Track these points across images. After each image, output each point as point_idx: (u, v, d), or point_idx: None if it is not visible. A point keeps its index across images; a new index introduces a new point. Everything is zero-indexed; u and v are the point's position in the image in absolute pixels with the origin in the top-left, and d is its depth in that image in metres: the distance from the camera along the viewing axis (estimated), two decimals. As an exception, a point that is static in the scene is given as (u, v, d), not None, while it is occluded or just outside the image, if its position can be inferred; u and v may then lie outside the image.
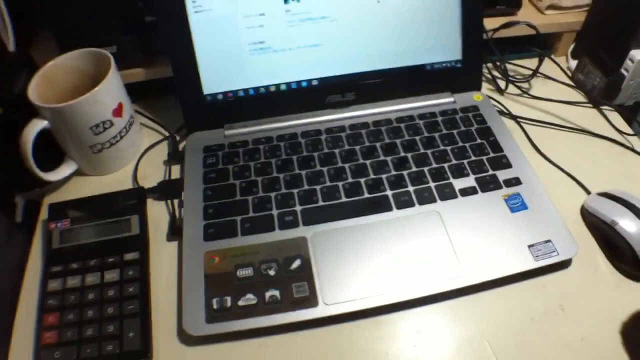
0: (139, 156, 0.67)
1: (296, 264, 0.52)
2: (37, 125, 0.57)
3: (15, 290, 0.56)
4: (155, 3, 0.62)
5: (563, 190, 0.62)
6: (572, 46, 0.81)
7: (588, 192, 0.61)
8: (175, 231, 0.57)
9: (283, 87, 0.65)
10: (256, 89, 0.65)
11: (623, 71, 0.71)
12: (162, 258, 0.56)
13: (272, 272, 0.51)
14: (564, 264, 0.54)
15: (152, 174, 0.65)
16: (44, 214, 0.61)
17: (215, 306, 0.49)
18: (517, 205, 0.57)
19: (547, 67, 0.78)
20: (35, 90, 0.58)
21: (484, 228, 0.55)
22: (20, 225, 0.62)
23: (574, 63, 0.78)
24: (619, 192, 0.58)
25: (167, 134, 0.70)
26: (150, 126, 0.71)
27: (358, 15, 0.63)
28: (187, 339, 0.49)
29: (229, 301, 0.49)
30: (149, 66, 0.70)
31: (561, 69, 0.77)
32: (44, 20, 0.75)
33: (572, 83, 0.77)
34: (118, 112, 0.61)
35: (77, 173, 0.65)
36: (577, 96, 0.75)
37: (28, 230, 0.61)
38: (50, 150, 0.61)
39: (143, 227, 0.56)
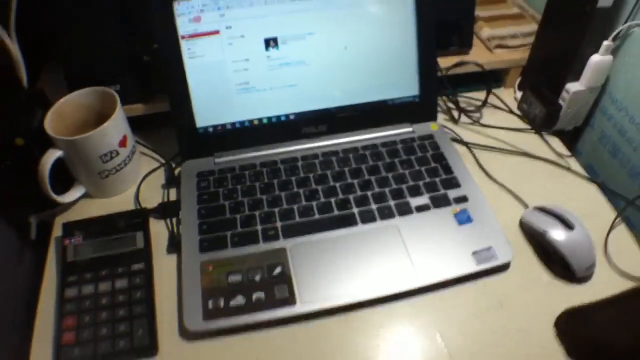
0: (139, 181, 0.73)
1: (277, 270, 0.59)
2: (53, 155, 0.63)
3: (30, 298, 0.62)
4: (157, 51, 0.69)
5: (505, 205, 0.70)
6: (518, 80, 0.89)
7: (527, 207, 0.70)
8: (174, 245, 0.64)
9: (265, 120, 0.73)
10: (242, 122, 0.72)
11: (560, 101, 0.79)
12: (164, 268, 0.63)
13: (257, 278, 0.58)
14: (503, 267, 0.62)
15: (152, 197, 0.71)
16: (56, 232, 0.67)
17: (210, 306, 0.56)
18: (463, 218, 0.65)
19: (497, 97, 0.88)
20: (50, 124, 0.65)
21: (435, 238, 0.63)
22: (30, 242, 0.68)
23: (520, 94, 0.86)
24: (552, 206, 0.66)
25: (163, 161, 0.76)
26: (149, 155, 0.78)
27: (328, 59, 0.71)
28: (187, 334, 0.56)
29: (221, 302, 0.56)
30: (147, 102, 0.77)
31: (506, 100, 0.87)
32: (51, 57, 0.83)
33: (518, 112, 0.86)
34: (123, 142, 0.68)
35: (85, 196, 0.71)
36: (522, 124, 0.84)
37: (39, 247, 0.67)
38: (61, 175, 0.67)
39: (147, 242, 0.63)
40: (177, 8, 0.66)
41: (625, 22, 0.75)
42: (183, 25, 0.66)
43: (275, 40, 0.69)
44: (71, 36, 0.71)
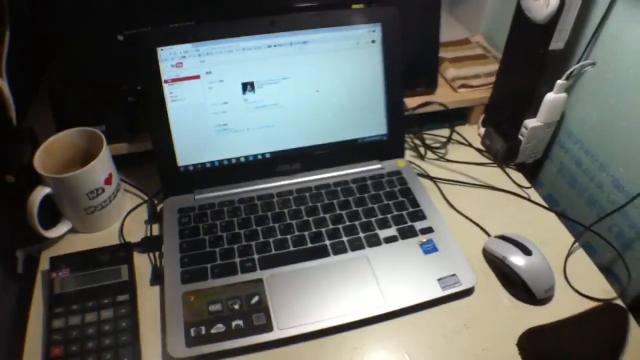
0: (124, 216, 0.76)
1: (255, 299, 0.63)
2: (42, 192, 0.66)
3: (16, 329, 0.64)
4: (141, 93, 0.73)
5: (469, 235, 0.75)
6: (482, 117, 0.94)
7: (488, 235, 0.74)
8: (157, 277, 0.67)
9: (242, 159, 0.77)
10: (221, 161, 0.76)
11: (520, 137, 0.84)
12: (148, 299, 0.65)
13: (236, 306, 0.62)
14: (467, 292, 0.66)
15: (136, 231, 0.74)
16: (43, 265, 0.69)
17: (192, 334, 0.59)
18: (429, 248, 0.69)
19: (463, 133, 0.93)
20: (40, 161, 0.67)
21: (402, 267, 0.67)
22: (17, 275, 0.70)
23: (483, 130, 0.91)
24: (512, 234, 0.71)
25: (146, 198, 0.79)
26: (132, 191, 0.81)
27: (301, 102, 0.76)
28: None
29: (203, 330, 0.59)
30: (132, 141, 0.80)
31: (465, 139, 0.92)
32: (37, 94, 0.86)
33: (481, 147, 0.91)
34: (108, 180, 0.71)
35: (71, 230, 0.74)
36: (485, 158, 0.89)
37: (25, 281, 0.69)
38: (48, 210, 0.69)
39: (131, 274, 0.66)
40: (161, 54, 0.70)
41: (578, 62, 0.81)
42: (166, 70, 0.71)
43: (252, 84, 0.74)
44: (60, 79, 0.75)
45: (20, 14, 0.73)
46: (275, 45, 0.74)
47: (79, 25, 0.72)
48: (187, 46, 0.71)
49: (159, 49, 0.70)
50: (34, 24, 0.71)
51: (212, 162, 0.76)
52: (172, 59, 0.71)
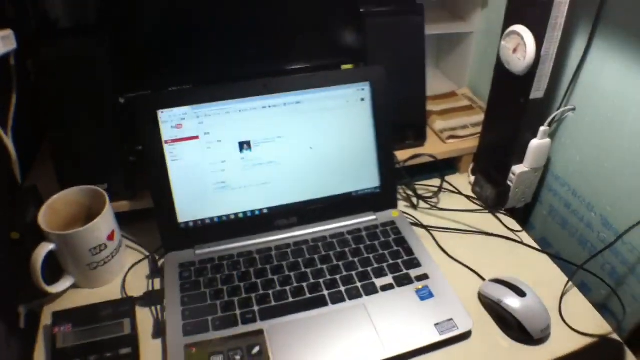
0: (126, 272, 0.77)
1: (256, 350, 0.64)
2: (46, 248, 0.68)
3: None
4: (141, 149, 0.75)
5: (464, 280, 0.76)
6: (471, 165, 0.97)
7: (483, 280, 0.76)
8: (159, 330, 0.68)
9: (241, 215, 0.79)
10: (220, 217, 0.78)
11: (509, 183, 0.87)
12: (150, 352, 0.66)
13: (237, 357, 0.62)
14: (465, 336, 0.67)
15: (138, 286, 0.75)
16: (45, 320, 0.70)
17: None
18: (425, 294, 0.71)
19: (454, 182, 0.96)
20: (44, 219, 0.69)
21: (400, 314, 0.68)
22: (18, 331, 0.70)
23: (473, 178, 0.94)
24: (506, 277, 0.72)
25: (148, 253, 0.80)
26: (134, 247, 0.82)
27: (297, 159, 0.79)
28: None
29: None
30: (133, 199, 0.82)
31: (455, 188, 0.95)
32: (41, 152, 0.88)
33: (472, 195, 0.94)
34: (111, 237, 0.73)
35: (74, 286, 0.75)
36: (476, 205, 0.91)
37: (26, 336, 0.69)
38: (51, 266, 0.70)
39: (134, 328, 0.67)
40: (161, 116, 0.74)
41: (559, 108, 0.84)
42: (166, 132, 0.74)
43: (248, 143, 0.77)
44: (64, 140, 0.77)
45: (26, 77, 0.77)
46: (269, 106, 0.77)
47: (82, 88, 0.75)
48: (186, 108, 0.74)
49: (159, 112, 0.74)
50: (38, 88, 0.74)
51: (211, 219, 0.78)
52: (171, 120, 0.74)
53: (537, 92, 0.80)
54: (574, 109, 0.83)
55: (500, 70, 0.83)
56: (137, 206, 0.83)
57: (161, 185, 0.75)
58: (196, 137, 0.75)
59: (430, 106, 1.02)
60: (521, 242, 0.84)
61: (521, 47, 0.77)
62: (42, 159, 0.91)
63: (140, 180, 0.82)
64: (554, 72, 0.79)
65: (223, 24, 0.87)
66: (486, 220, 0.89)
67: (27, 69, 0.76)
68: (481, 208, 0.91)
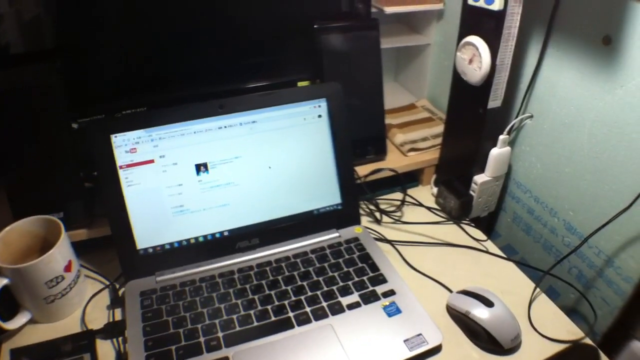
0: (85, 303, 0.75)
1: (223, 378, 0.62)
2: (0, 283, 0.65)
3: None
4: (97, 175, 0.74)
5: (431, 293, 0.75)
6: (433, 177, 0.98)
7: (450, 292, 0.75)
8: (122, 364, 0.66)
9: (201, 239, 0.77)
10: (180, 242, 0.76)
11: (471, 192, 0.88)
12: None
13: None
14: (435, 350, 0.66)
15: (98, 318, 0.72)
16: (3, 358, 0.66)
17: None
18: (392, 310, 0.70)
19: (417, 194, 0.96)
20: None
21: (367, 332, 0.67)
22: None
23: (436, 190, 0.94)
24: (473, 288, 0.72)
25: (108, 282, 0.78)
26: (93, 277, 0.79)
27: (255, 179, 0.78)
28: None
29: None
30: (91, 227, 0.80)
31: (417, 201, 0.95)
32: None
33: (435, 206, 0.94)
34: (68, 267, 0.71)
35: (31, 321, 0.71)
36: (440, 217, 0.91)
37: None
38: (6, 301, 0.68)
39: None
40: (115, 141, 0.72)
41: (517, 116, 0.85)
42: (121, 156, 0.72)
43: (205, 165, 0.76)
44: (16, 167, 0.75)
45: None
46: (225, 127, 0.76)
47: (35, 115, 0.73)
48: (139, 132, 0.73)
49: (112, 136, 0.72)
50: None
51: (171, 244, 0.76)
52: (125, 145, 0.72)
53: (495, 101, 0.81)
54: (531, 117, 0.84)
55: (457, 82, 0.84)
56: (95, 234, 0.81)
57: (118, 212, 0.73)
58: (151, 161, 0.74)
59: (390, 119, 1.02)
60: (486, 252, 0.84)
61: (476, 57, 0.77)
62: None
63: (98, 207, 0.80)
64: (510, 80, 0.80)
65: (176, 44, 0.85)
66: (451, 231, 0.88)
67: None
68: (445, 219, 0.91)
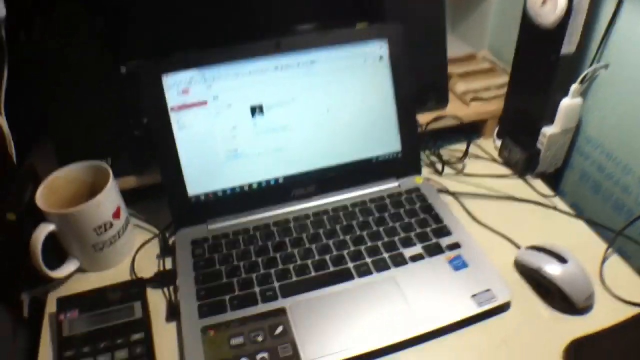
0: (134, 252, 0.73)
1: (279, 330, 0.59)
2: (46, 229, 0.63)
3: None
4: (147, 122, 0.71)
5: (498, 247, 0.71)
6: (496, 128, 0.92)
7: (518, 247, 0.71)
8: (172, 313, 0.63)
9: (255, 185, 0.74)
10: (232, 188, 0.73)
11: (539, 145, 0.83)
12: (164, 336, 0.62)
13: (260, 338, 0.58)
14: (503, 307, 0.63)
15: (147, 267, 0.71)
16: (50, 308, 0.66)
17: None
18: (459, 264, 0.66)
19: (478, 147, 0.91)
20: (42, 198, 0.65)
21: (433, 286, 0.63)
22: (23, 320, 0.66)
23: (500, 142, 0.89)
24: (543, 244, 0.68)
25: (157, 232, 0.76)
26: (142, 226, 0.78)
27: (312, 123, 0.74)
28: None
29: None
30: (139, 174, 0.78)
31: (487, 149, 0.90)
32: (41, 133, 0.84)
33: (499, 159, 0.89)
34: (117, 214, 0.69)
35: (79, 270, 0.70)
36: (504, 170, 0.86)
37: (31, 325, 0.66)
38: (53, 250, 0.67)
39: (145, 311, 0.62)
40: (166, 81, 0.69)
41: (591, 65, 0.79)
42: (172, 98, 0.69)
43: (260, 107, 0.72)
44: (63, 112, 0.73)
45: (21, 50, 0.71)
46: (282, 67, 0.72)
47: (80, 58, 0.71)
48: (192, 72, 0.69)
49: (163, 76, 0.68)
50: (34, 59, 0.70)
51: (223, 190, 0.73)
52: (177, 85, 0.69)
53: (568, 47, 0.75)
54: (607, 66, 0.78)
55: (527, 26, 0.78)
56: (143, 182, 0.78)
57: (168, 157, 0.71)
58: (204, 103, 0.70)
59: (450, 69, 0.96)
60: (554, 208, 0.79)
61: (551, -3, 0.71)
62: (42, 140, 0.85)
63: (146, 156, 0.78)
64: (585, 25, 0.73)
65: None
66: (515, 186, 0.84)
67: (20, 40, 0.71)
68: (509, 173, 0.86)
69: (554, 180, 0.91)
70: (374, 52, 0.75)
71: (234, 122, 0.72)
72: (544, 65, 0.78)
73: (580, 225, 0.76)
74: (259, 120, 0.72)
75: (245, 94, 0.71)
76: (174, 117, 0.69)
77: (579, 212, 0.84)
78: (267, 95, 0.72)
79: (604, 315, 0.62)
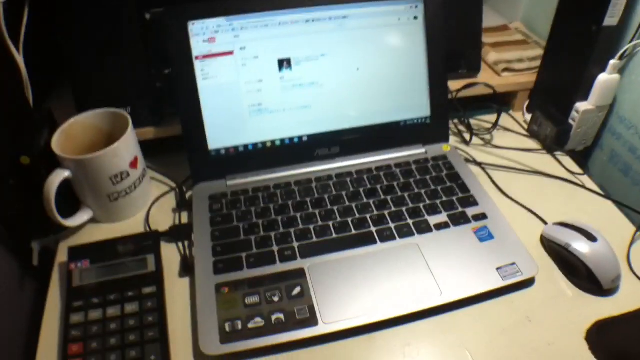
0: (149, 205, 0.71)
1: (297, 290, 0.57)
2: (60, 175, 0.61)
3: (32, 326, 0.59)
4: (169, 71, 0.69)
5: (524, 222, 0.69)
6: (526, 102, 0.90)
7: (545, 223, 0.68)
8: (186, 268, 0.62)
9: (278, 142, 0.72)
10: (254, 144, 0.71)
11: (570, 121, 0.80)
12: (176, 292, 0.60)
13: (276, 298, 0.56)
14: (528, 282, 0.61)
15: (162, 221, 0.69)
16: (60, 257, 0.64)
17: (227, 329, 0.54)
18: (484, 235, 0.64)
19: (507, 120, 0.88)
20: (58, 144, 0.63)
21: (457, 255, 0.61)
22: (32, 268, 0.65)
23: (529, 116, 0.87)
24: (572, 221, 0.65)
25: (174, 185, 0.75)
26: (159, 179, 0.76)
27: (341, 81, 0.71)
28: (204, 358, 0.53)
29: (239, 324, 0.54)
30: (158, 126, 0.76)
31: (517, 122, 0.88)
32: (60, 77, 0.82)
33: (527, 134, 0.86)
34: (134, 164, 0.67)
35: (92, 221, 0.69)
36: (533, 145, 0.84)
37: (40, 274, 0.64)
38: (67, 198, 0.65)
39: (158, 265, 0.60)
40: (192, 29, 0.66)
41: (631, 41, 0.76)
42: (197, 46, 0.66)
43: (288, 61, 0.69)
44: (84, 57, 0.70)
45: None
46: (313, 20, 0.69)
47: (102, 1, 0.68)
48: (220, 20, 0.66)
49: (189, 23, 0.66)
50: (53, 3, 0.67)
51: (245, 146, 0.71)
52: (203, 33, 0.66)
53: (611, 18, 0.72)
54: (649, 43, 0.75)
55: (569, -6, 0.75)
56: (162, 134, 0.76)
57: (190, 107, 0.68)
58: (230, 53, 0.67)
59: (483, 38, 0.93)
60: (583, 186, 0.76)
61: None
62: (60, 85, 0.83)
63: (167, 107, 0.76)
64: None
65: None
66: (544, 161, 0.81)
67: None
68: (538, 148, 0.83)
69: (582, 159, 0.88)
70: (409, 11, 0.72)
71: (260, 75, 0.69)
72: (583, 36, 0.75)
73: (609, 206, 0.74)
74: (286, 74, 0.69)
75: (274, 46, 0.68)
76: (198, 67, 0.67)
77: (606, 194, 0.81)
78: (296, 49, 0.69)
79: (630, 298, 0.60)
